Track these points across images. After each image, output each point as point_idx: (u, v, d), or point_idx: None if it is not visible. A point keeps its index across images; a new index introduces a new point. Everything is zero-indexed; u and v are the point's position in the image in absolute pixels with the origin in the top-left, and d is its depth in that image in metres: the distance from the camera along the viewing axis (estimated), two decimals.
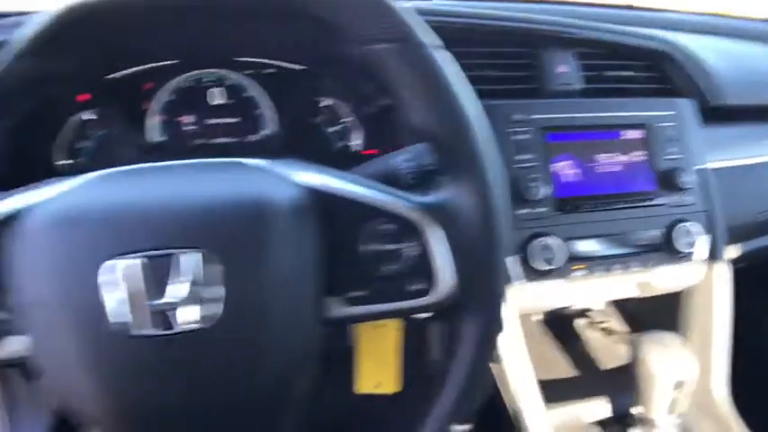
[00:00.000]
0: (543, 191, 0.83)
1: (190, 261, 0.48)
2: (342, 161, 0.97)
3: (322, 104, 0.97)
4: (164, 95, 0.94)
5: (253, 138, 0.97)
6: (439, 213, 0.54)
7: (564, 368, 1.07)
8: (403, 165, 0.66)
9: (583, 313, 1.18)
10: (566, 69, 0.91)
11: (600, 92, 0.94)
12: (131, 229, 0.48)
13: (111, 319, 0.47)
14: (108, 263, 0.47)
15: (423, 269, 0.54)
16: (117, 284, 0.47)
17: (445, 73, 0.52)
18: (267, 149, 0.96)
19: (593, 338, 1.13)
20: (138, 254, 0.48)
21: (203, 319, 0.48)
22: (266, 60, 0.96)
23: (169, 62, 0.94)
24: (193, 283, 0.48)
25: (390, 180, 0.66)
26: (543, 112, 0.87)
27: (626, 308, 1.16)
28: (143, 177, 0.56)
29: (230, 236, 0.49)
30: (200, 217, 0.49)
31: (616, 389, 0.96)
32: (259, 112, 0.97)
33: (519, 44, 0.92)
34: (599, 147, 0.89)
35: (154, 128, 0.94)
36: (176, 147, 0.94)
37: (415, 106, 0.52)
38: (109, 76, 0.91)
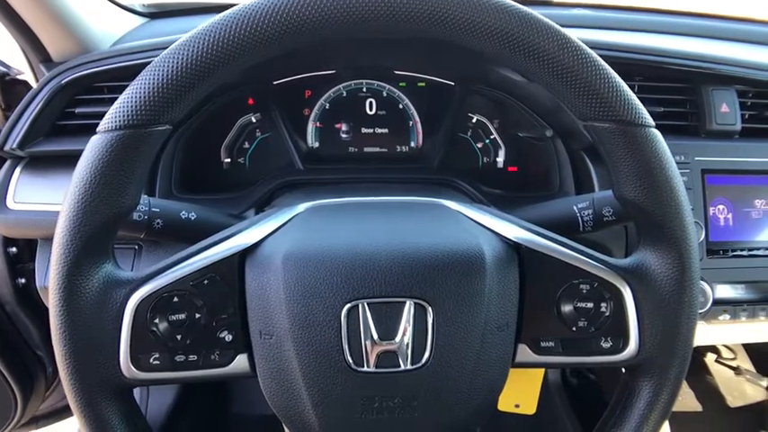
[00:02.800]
0: (698, 235, 0.84)
1: (413, 308, 0.53)
2: (488, 176, 1.01)
3: (473, 119, 0.99)
4: (323, 103, 0.98)
5: (403, 149, 1.00)
6: (637, 276, 0.57)
7: (690, 400, 1.09)
8: (583, 212, 0.68)
9: (712, 349, 1.18)
10: (727, 109, 0.89)
11: (758, 132, 0.93)
12: (365, 275, 0.54)
13: (348, 356, 0.53)
14: (349, 305, 0.53)
15: (615, 327, 0.58)
16: (355, 325, 0.53)
17: (660, 154, 0.53)
18: (416, 161, 0.99)
19: (720, 374, 1.14)
20: (373, 299, 0.53)
21: (422, 360, 0.53)
22: (421, 75, 0.99)
23: (330, 71, 0.97)
24: (415, 328, 0.53)
25: (568, 223, 0.69)
26: (704, 154, 0.87)
27: (753, 347, 1.16)
28: (356, 214, 0.62)
29: (450, 287, 0.54)
30: (424, 268, 0.54)
31: (744, 427, 0.98)
32: (411, 124, 1.00)
33: (678, 80, 0.91)
34: (755, 192, 0.88)
35: (312, 133, 0.99)
36: (331, 153, 0.99)
37: (626, 181, 0.55)
38: (275, 83, 0.96)
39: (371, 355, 0.53)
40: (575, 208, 0.70)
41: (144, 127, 0.51)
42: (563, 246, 0.58)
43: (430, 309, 0.54)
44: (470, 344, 0.54)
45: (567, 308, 0.58)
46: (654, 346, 0.57)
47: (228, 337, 0.56)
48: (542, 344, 0.59)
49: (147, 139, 0.51)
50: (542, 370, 1.07)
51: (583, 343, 0.59)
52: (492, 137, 1.00)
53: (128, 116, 0.50)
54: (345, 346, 0.53)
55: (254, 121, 0.97)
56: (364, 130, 1.00)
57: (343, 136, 0.99)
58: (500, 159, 1.00)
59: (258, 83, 0.95)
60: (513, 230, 0.59)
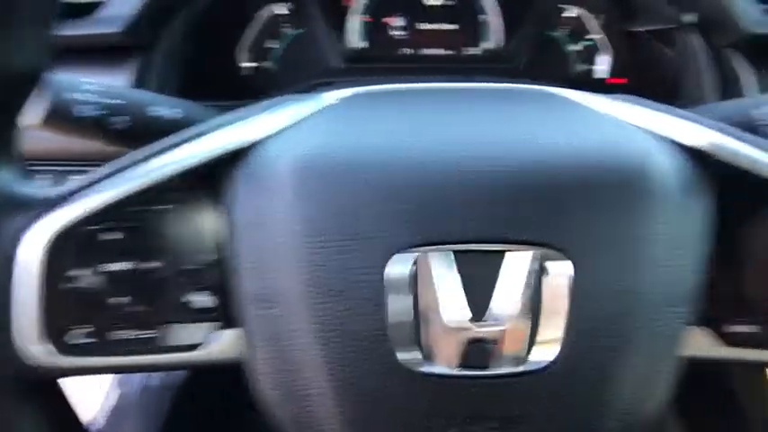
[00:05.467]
0: None
1: (533, 263, 0.32)
2: (588, 89, 0.77)
3: (565, 14, 0.75)
4: None
5: (472, 51, 0.77)
6: None
7: None
8: (764, 120, 0.45)
9: None
10: None
11: None
12: (442, 202, 0.32)
13: (396, 343, 0.32)
14: (400, 255, 0.31)
15: None
16: (422, 291, 0.32)
17: None
18: (488, 67, 0.76)
19: None
20: (449, 245, 0.32)
21: (546, 358, 0.32)
22: None
23: None
24: (534, 299, 0.32)
25: None
26: None
27: None
28: (424, 106, 0.39)
29: (598, 227, 0.32)
30: (551, 193, 0.32)
31: None
32: (483, 19, 0.76)
33: None
34: None
35: (355, 30, 0.77)
36: (380, 56, 0.77)
37: None
38: None
39: (452, 347, 0.32)
40: (753, 113, 0.46)
41: None
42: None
43: (567, 265, 0.32)
44: (622, 324, 0.33)
45: None
46: None
47: (204, 302, 0.35)
48: (734, 329, 0.37)
49: None
50: None
51: None
52: (594, 36, 0.75)
53: None
54: (406, 329, 0.32)
55: (282, 12, 0.75)
56: (423, 27, 0.77)
57: (396, 34, 0.77)
58: (603, 67, 0.76)
59: None
60: (693, 131, 0.36)
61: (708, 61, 0.66)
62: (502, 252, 0.31)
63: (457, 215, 0.31)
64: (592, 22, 0.76)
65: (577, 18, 0.76)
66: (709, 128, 0.36)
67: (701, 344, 0.37)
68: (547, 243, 0.31)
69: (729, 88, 0.64)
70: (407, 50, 0.77)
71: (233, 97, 0.74)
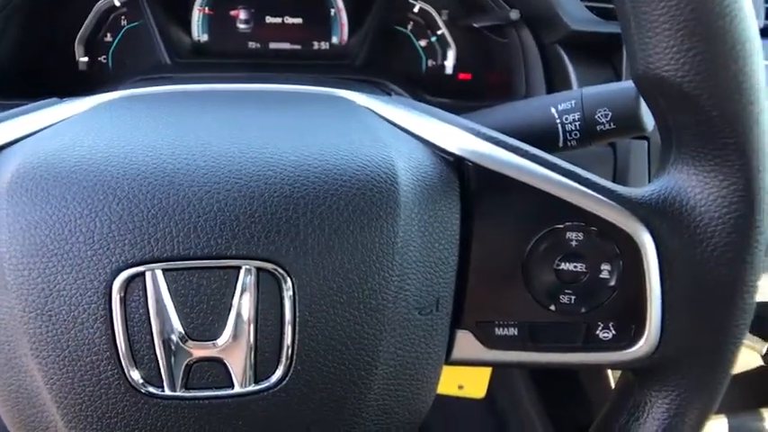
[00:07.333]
0: None
1: (254, 278, 0.30)
2: (433, 85, 0.77)
3: (415, 8, 0.74)
4: None
5: (321, 45, 0.76)
6: (667, 216, 0.34)
7: None
8: (565, 117, 0.45)
9: None
10: None
11: None
12: (162, 216, 0.30)
13: (130, 368, 0.30)
14: (128, 273, 0.30)
15: (623, 305, 0.35)
16: (142, 309, 0.30)
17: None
18: (338, 62, 0.75)
19: None
20: (174, 264, 0.30)
21: (273, 376, 0.31)
22: None
23: None
24: (259, 316, 0.30)
25: (542, 134, 0.45)
26: None
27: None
28: (186, 110, 0.37)
29: (325, 238, 0.31)
30: (277, 203, 0.30)
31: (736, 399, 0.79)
32: (333, 12, 0.75)
33: None
34: None
35: (198, 23, 0.74)
36: (224, 50, 0.74)
37: (665, 40, 0.30)
38: None
39: (175, 368, 0.30)
40: (553, 111, 0.45)
41: None
42: (539, 162, 0.34)
43: (288, 280, 0.30)
44: (367, 341, 0.32)
45: (541, 271, 0.35)
46: (685, 337, 0.35)
47: None
48: (498, 331, 0.36)
49: None
50: None
51: (566, 331, 0.36)
52: (440, 32, 0.75)
53: None
54: (123, 349, 0.30)
55: (117, 4, 0.71)
56: (270, 20, 0.75)
57: (241, 27, 0.74)
58: (449, 63, 0.76)
59: None
60: (455, 136, 0.35)
61: (537, 57, 0.66)
62: (223, 269, 0.30)
63: (178, 231, 0.30)
64: (438, 18, 0.75)
65: (425, 13, 0.75)
66: (469, 131, 0.35)
67: (466, 347, 0.36)
68: (262, 258, 0.30)
69: (558, 84, 0.66)
70: (253, 45, 0.75)
71: (71, 93, 0.70)
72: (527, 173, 0.34)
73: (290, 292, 0.30)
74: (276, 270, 0.30)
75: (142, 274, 0.29)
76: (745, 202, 0.32)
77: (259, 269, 0.30)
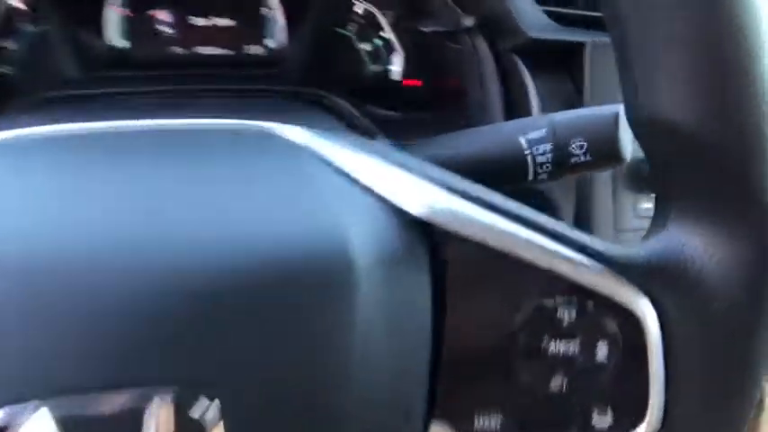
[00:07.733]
0: None
1: (168, 413, 0.23)
2: (378, 94, 0.71)
3: (357, 9, 0.68)
4: None
5: (254, 50, 0.69)
6: (670, 282, 0.29)
7: None
8: (535, 148, 0.39)
9: None
10: None
11: None
12: (43, 334, 0.23)
13: None
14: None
15: (621, 388, 0.30)
16: None
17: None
18: (272, 69, 0.68)
19: None
20: (63, 401, 0.23)
21: None
22: None
23: None
24: None
25: (509, 166, 0.40)
26: None
27: None
28: (66, 171, 0.29)
29: (264, 344, 0.24)
30: (194, 306, 0.23)
31: None
32: (266, 13, 0.68)
33: None
34: None
35: (113, 26, 0.66)
36: (144, 57, 0.67)
37: (670, 77, 0.25)
38: None
39: None
40: (522, 140, 0.40)
41: None
42: (522, 222, 0.29)
43: (213, 407, 0.24)
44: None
45: (528, 354, 0.30)
46: (691, 422, 0.30)
47: None
48: (479, 422, 0.31)
49: None
50: None
51: (558, 418, 0.31)
52: (385, 35, 0.69)
53: None
54: None
55: (19, 5, 0.63)
56: (198, 22, 0.67)
57: (164, 29, 0.67)
58: (395, 68, 0.70)
59: None
60: (422, 192, 0.29)
61: (492, 65, 0.61)
62: (130, 402, 0.23)
63: (72, 353, 0.23)
64: (383, 20, 0.69)
65: (368, 14, 0.69)
66: (438, 185, 0.29)
67: None
68: (178, 381, 0.23)
69: (514, 92, 0.61)
70: (178, 50, 0.67)
71: None
72: (509, 238, 0.28)
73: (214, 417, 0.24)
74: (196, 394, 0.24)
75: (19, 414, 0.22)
76: (764, 263, 0.27)
77: (177, 401, 0.23)
